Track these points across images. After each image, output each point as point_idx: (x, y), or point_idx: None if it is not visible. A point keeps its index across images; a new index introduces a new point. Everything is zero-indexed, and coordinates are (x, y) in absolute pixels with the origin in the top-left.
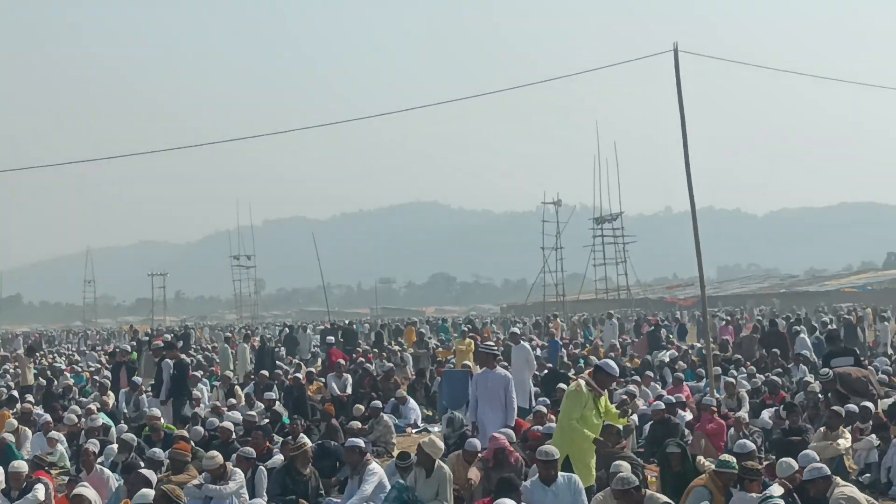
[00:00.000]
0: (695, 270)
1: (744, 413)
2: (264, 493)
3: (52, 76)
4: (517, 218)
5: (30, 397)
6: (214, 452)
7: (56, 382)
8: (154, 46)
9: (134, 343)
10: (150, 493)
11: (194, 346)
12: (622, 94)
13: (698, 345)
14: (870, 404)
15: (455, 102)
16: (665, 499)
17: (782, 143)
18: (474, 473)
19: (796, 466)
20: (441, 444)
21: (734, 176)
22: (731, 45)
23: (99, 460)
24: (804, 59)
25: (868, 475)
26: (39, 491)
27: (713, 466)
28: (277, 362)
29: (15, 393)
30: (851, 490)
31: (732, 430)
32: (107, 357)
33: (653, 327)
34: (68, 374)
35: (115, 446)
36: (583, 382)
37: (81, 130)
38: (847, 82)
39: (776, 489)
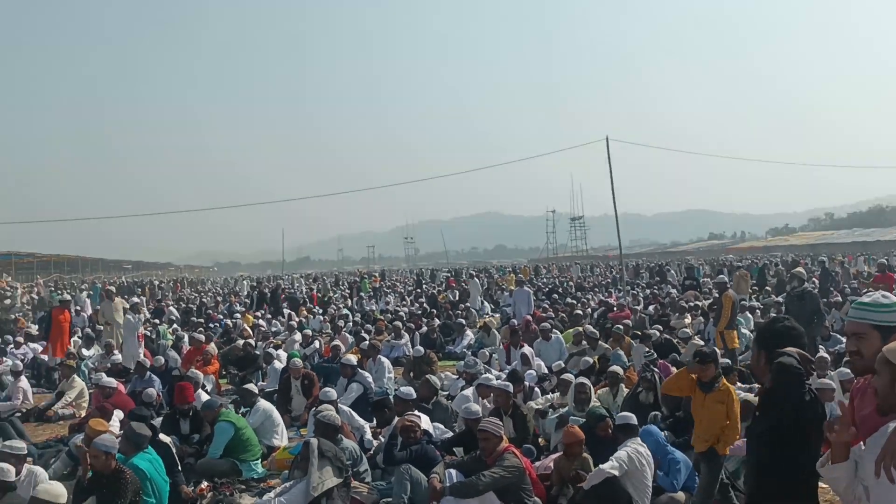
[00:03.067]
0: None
1: (639, 307)
2: (417, 343)
3: None
4: (536, 219)
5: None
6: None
7: (323, 295)
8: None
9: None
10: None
11: (388, 278)
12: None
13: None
14: (701, 302)
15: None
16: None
17: (662, 178)
18: (506, 334)
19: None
20: (495, 322)
21: (637, 192)
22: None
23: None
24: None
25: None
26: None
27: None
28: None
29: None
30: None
31: (632, 315)
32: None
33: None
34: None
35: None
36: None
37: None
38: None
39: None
